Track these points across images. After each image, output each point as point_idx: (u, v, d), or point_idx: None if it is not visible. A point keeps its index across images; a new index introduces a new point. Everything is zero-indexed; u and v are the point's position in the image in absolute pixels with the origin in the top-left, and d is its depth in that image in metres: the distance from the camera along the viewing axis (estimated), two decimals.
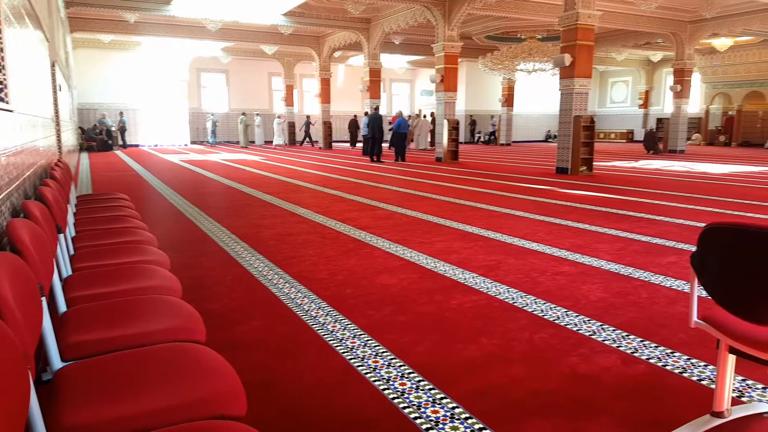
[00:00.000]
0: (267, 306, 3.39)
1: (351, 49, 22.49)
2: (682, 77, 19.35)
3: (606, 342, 2.77)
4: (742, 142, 24.85)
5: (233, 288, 3.79)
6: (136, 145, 24.08)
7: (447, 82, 15.69)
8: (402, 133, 16.64)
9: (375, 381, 2.35)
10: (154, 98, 24.25)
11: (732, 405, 2.04)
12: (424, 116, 24.99)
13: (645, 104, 29.93)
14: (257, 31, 21.08)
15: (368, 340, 2.79)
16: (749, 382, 2.31)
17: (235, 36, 21.06)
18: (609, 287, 3.73)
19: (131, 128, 23.67)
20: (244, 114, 25.53)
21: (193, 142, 26.30)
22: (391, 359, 2.56)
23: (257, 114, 26.82)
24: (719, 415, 2.00)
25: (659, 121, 22.44)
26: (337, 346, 2.72)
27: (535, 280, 3.90)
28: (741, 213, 6.87)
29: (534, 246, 4.98)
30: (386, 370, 2.45)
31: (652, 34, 19.56)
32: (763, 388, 2.27)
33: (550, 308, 3.29)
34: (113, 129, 22.22)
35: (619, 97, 31.91)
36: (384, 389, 2.28)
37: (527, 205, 7.42)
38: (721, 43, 20.89)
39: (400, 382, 2.34)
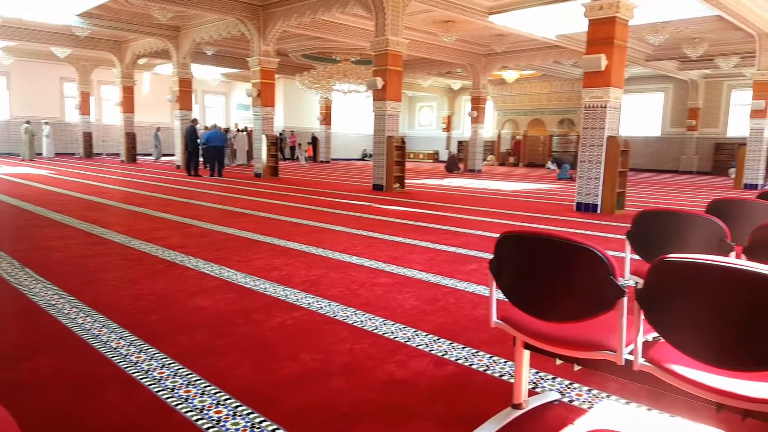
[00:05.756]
0: (57, 339, 2.95)
1: (158, 57, 21.08)
2: (478, 104, 21.57)
3: (419, 347, 2.90)
4: (528, 163, 28.65)
5: (13, 321, 3.24)
6: None
7: (264, 97, 15.50)
8: (216, 147, 15.78)
9: (187, 412, 2.16)
10: None
11: (528, 396, 2.25)
12: (241, 130, 24.41)
13: (448, 128, 32.91)
14: (47, 32, 18.61)
15: (179, 369, 2.57)
16: (541, 374, 2.58)
17: (19, 35, 18.37)
18: (421, 295, 3.93)
19: None
20: (28, 122, 22.38)
21: None
22: (206, 387, 2.38)
23: (45, 123, 23.74)
24: (518, 406, 2.19)
25: (460, 143, 24.71)
26: (142, 379, 2.45)
27: (354, 292, 3.97)
28: (529, 224, 7.80)
29: (353, 259, 5.08)
30: (200, 399, 2.27)
31: (453, 64, 21.55)
32: (552, 378, 2.54)
33: (369, 319, 3.36)
34: None
35: (425, 120, 34.72)
36: (197, 420, 2.10)
37: (346, 220, 7.58)
38: (509, 75, 23.85)
39: (216, 410, 2.18)
